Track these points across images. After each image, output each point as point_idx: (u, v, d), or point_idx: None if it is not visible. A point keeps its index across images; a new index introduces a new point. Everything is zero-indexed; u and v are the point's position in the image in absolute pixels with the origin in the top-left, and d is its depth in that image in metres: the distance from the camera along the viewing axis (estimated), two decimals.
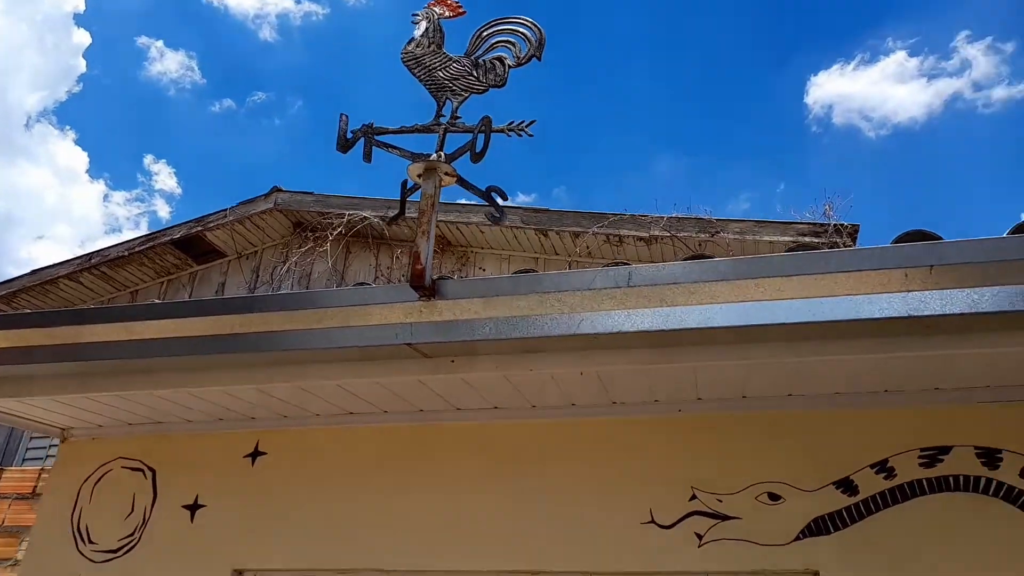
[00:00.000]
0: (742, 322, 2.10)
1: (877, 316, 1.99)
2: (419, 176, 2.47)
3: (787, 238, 5.78)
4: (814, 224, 5.79)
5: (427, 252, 2.34)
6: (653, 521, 2.69)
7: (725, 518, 2.64)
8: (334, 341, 2.44)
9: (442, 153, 2.48)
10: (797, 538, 2.55)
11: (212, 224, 7.83)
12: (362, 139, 2.47)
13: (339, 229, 7.31)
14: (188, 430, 3.40)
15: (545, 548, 2.76)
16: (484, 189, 2.57)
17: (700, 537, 2.63)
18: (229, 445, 3.31)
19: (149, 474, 3.36)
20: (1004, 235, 1.97)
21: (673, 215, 6.10)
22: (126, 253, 7.93)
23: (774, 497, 2.63)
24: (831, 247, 5.50)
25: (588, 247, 6.44)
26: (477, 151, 2.38)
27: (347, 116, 2.48)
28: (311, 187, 7.65)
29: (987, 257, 1.92)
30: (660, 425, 2.84)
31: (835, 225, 5.65)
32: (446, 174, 2.46)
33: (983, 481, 2.45)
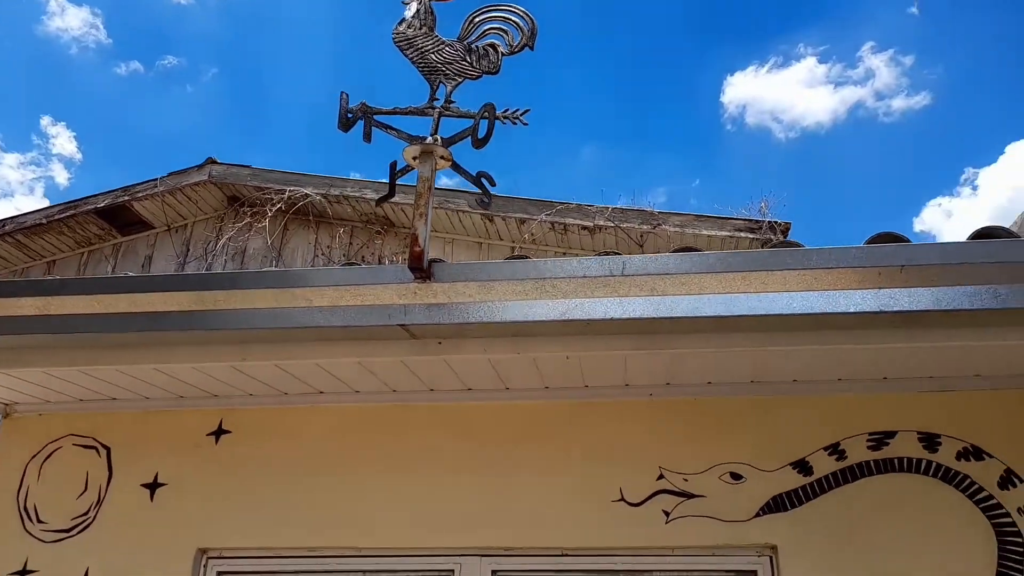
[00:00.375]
0: (728, 312, 2.24)
1: (852, 311, 2.17)
2: (414, 159, 2.48)
3: (724, 232, 6.04)
4: (749, 220, 6.08)
5: (424, 234, 2.36)
6: (623, 499, 2.83)
7: (691, 496, 2.80)
8: (326, 320, 2.44)
9: (438, 137, 2.50)
10: (757, 515, 2.74)
11: (140, 194, 7.50)
12: (361, 119, 2.47)
13: (279, 205, 7.15)
14: (145, 407, 3.30)
15: (518, 526, 2.86)
16: (475, 174, 2.62)
17: (667, 514, 2.78)
18: (190, 423, 3.25)
19: (103, 452, 3.25)
20: (966, 240, 2.18)
21: (617, 206, 6.27)
22: (44, 221, 7.50)
23: (736, 476, 2.80)
24: (765, 243, 5.79)
25: (533, 234, 6.53)
26: (480, 137, 2.42)
27: (347, 94, 2.47)
28: (228, 159, 7.46)
29: (951, 259, 2.12)
30: (630, 408, 2.97)
31: (769, 222, 5.95)
32: (442, 158, 2.48)
33: (924, 463, 2.70)
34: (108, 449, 3.26)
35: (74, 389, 3.19)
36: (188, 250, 7.73)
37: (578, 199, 6.40)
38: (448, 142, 2.48)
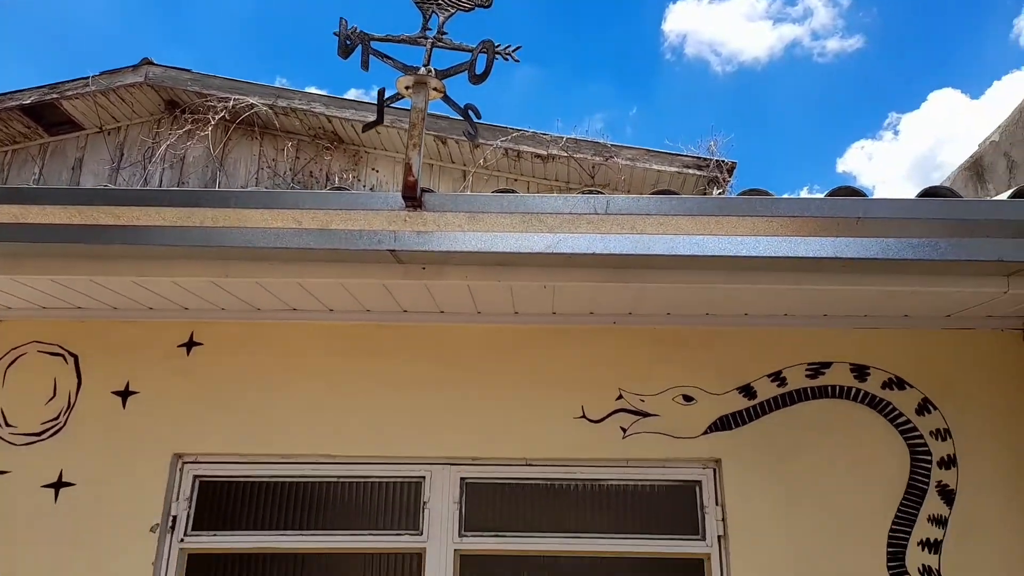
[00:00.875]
0: (702, 252, 2.43)
1: (811, 256, 2.39)
2: (407, 88, 2.52)
3: (673, 168, 6.25)
4: (697, 158, 6.30)
5: (418, 164, 2.44)
6: (584, 416, 3.07)
7: (646, 415, 3.06)
8: (316, 242, 2.51)
9: (432, 68, 2.54)
10: (705, 433, 3.03)
11: (70, 93, 7.13)
12: (359, 47, 2.48)
13: (222, 114, 6.93)
14: (113, 317, 3.31)
15: (486, 438, 3.07)
16: (463, 107, 2.68)
17: (624, 431, 3.05)
18: (161, 334, 3.29)
19: (71, 359, 3.26)
20: (915, 197, 2.42)
21: (571, 136, 6.37)
22: None
23: (687, 398, 3.08)
24: (712, 180, 6.04)
25: (486, 159, 6.59)
26: (477, 73, 2.47)
27: (345, 20, 2.47)
28: (140, 53, 7.19)
29: (901, 214, 2.35)
30: (595, 334, 3.18)
31: (716, 160, 6.19)
32: (435, 89, 2.53)
33: (854, 391, 3.03)
34: (76, 357, 3.27)
35: (39, 296, 3.16)
36: (122, 155, 7.45)
37: (511, 122, 6.48)
38: (443, 74, 2.52)
